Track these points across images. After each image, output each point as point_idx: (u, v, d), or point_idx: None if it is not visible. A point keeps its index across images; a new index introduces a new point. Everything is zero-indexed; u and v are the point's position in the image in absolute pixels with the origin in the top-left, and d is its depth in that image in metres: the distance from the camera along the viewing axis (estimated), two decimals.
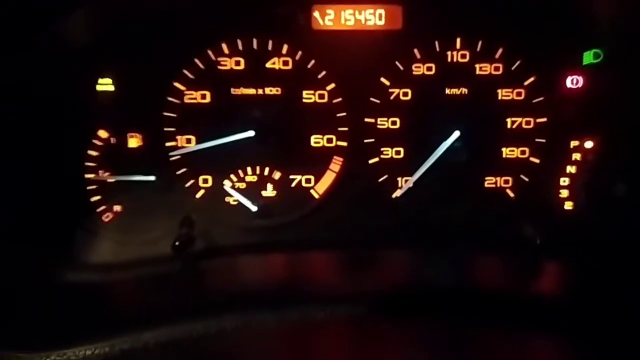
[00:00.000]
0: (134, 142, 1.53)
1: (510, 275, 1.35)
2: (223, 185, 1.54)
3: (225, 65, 1.51)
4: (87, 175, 1.53)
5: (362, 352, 1.06)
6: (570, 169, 1.54)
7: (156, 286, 1.38)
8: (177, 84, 1.51)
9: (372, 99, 1.52)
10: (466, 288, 1.23)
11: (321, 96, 1.52)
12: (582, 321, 1.09)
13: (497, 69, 1.50)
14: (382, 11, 1.47)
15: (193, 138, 1.53)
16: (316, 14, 1.48)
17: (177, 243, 1.38)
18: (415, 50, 1.50)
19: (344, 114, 1.52)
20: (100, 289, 1.40)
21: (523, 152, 1.53)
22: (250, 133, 1.49)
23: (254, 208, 1.53)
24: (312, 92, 1.52)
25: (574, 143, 1.53)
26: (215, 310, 1.10)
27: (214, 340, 1.06)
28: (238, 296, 1.20)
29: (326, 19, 1.48)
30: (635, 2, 1.38)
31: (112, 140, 1.53)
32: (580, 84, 1.50)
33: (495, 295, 1.17)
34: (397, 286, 1.25)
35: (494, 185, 1.55)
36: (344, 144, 1.53)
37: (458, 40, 1.50)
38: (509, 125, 1.52)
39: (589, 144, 1.53)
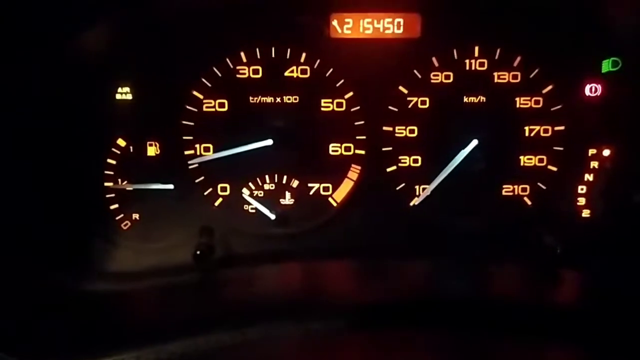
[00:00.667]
0: (152, 150, 1.53)
1: (530, 285, 1.36)
2: (241, 193, 1.55)
3: (244, 73, 1.51)
4: (106, 184, 1.54)
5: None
6: (588, 176, 1.54)
7: (176, 296, 1.39)
8: (195, 93, 1.52)
9: (390, 107, 1.53)
10: (484, 299, 1.23)
11: (339, 104, 1.52)
12: (601, 332, 1.09)
13: (515, 77, 1.50)
14: (400, 20, 1.47)
15: (211, 146, 1.53)
16: (335, 22, 1.48)
17: (197, 252, 1.38)
18: (434, 59, 1.51)
19: (362, 122, 1.53)
20: (119, 299, 1.41)
21: (541, 160, 1.53)
22: (269, 141, 1.49)
23: (272, 216, 1.53)
24: (330, 100, 1.52)
25: (591, 151, 1.53)
26: (235, 320, 1.10)
27: (234, 351, 1.07)
28: (257, 307, 1.21)
29: (345, 27, 1.48)
30: None
31: (131, 148, 1.53)
32: (598, 92, 1.49)
33: (513, 307, 1.18)
34: (415, 296, 1.25)
35: (511, 194, 1.55)
36: (362, 152, 1.54)
37: (476, 48, 1.50)
38: (526, 134, 1.52)
39: (606, 152, 1.52)
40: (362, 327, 1.12)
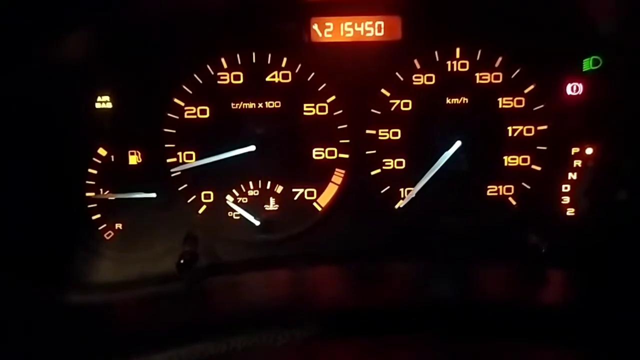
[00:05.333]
0: (134, 159, 1.52)
1: (516, 286, 1.35)
2: (225, 200, 1.53)
3: (225, 79, 1.50)
4: (88, 194, 1.52)
5: None
6: (572, 175, 1.54)
7: (160, 305, 1.37)
8: (176, 100, 1.50)
9: (373, 110, 1.52)
10: (469, 302, 1.23)
11: (322, 109, 1.51)
12: (588, 331, 1.09)
13: (497, 77, 1.50)
14: (381, 22, 1.47)
15: (194, 154, 1.52)
16: (315, 26, 1.47)
17: (181, 261, 1.36)
18: (415, 61, 1.50)
19: (345, 126, 1.52)
20: (103, 309, 1.40)
21: (525, 160, 1.53)
22: (251, 147, 1.48)
23: (257, 222, 1.52)
24: (312, 104, 1.51)
25: (575, 150, 1.53)
26: (219, 329, 1.09)
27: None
28: (242, 315, 1.20)
29: (325, 31, 1.48)
30: (633, 9, 1.38)
31: (112, 157, 1.51)
32: (580, 91, 1.50)
33: (499, 309, 1.17)
34: (401, 301, 1.25)
35: (496, 194, 1.55)
36: (346, 156, 1.53)
37: (458, 49, 1.50)
38: (510, 134, 1.52)
39: (589, 150, 1.53)
40: (348, 333, 1.11)
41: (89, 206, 1.53)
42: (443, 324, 1.11)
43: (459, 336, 1.10)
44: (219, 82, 1.50)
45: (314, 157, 1.53)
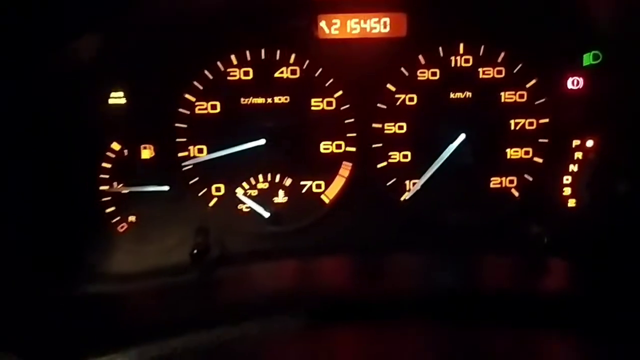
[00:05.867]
0: (146, 153, 1.56)
1: (519, 275, 1.39)
2: (235, 193, 1.57)
3: (235, 75, 1.54)
4: (101, 187, 1.56)
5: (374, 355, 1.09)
6: (573, 167, 1.58)
7: (173, 295, 1.42)
8: (187, 96, 1.54)
9: (379, 105, 1.56)
10: (474, 290, 1.27)
11: (329, 103, 1.55)
12: (591, 317, 1.13)
13: (499, 72, 1.54)
14: (387, 19, 1.51)
15: (205, 148, 1.56)
16: (322, 23, 1.51)
17: (194, 251, 1.40)
18: (420, 57, 1.54)
19: (352, 120, 1.56)
20: (116, 300, 1.43)
21: (527, 153, 1.57)
22: (261, 141, 1.52)
23: (266, 214, 1.56)
24: (320, 99, 1.55)
25: (575, 142, 1.57)
26: (231, 316, 1.13)
27: (232, 345, 1.10)
28: (253, 302, 1.24)
29: (332, 28, 1.52)
30: (632, 6, 1.42)
31: (125, 152, 1.55)
32: (580, 85, 1.54)
33: (503, 296, 1.21)
34: (406, 290, 1.29)
35: (499, 186, 1.59)
36: (353, 149, 1.57)
37: (461, 45, 1.53)
38: (512, 127, 1.56)
39: (590, 143, 1.57)
40: (353, 318, 1.15)
41: (103, 199, 1.57)
42: (447, 311, 1.15)
43: (462, 322, 1.14)
44: (228, 78, 1.54)
45: (322, 150, 1.57)
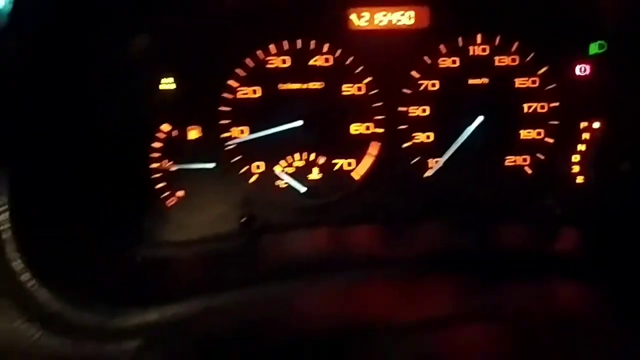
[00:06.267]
0: (193, 134, 1.72)
1: (536, 237, 1.54)
2: (273, 170, 1.73)
3: (273, 63, 1.70)
4: (152, 165, 1.72)
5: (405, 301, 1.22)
6: (581, 147, 1.73)
7: (221, 256, 1.56)
8: (230, 82, 1.70)
9: (404, 90, 1.72)
10: (496, 247, 1.42)
11: (359, 89, 1.71)
12: (601, 269, 1.28)
13: (513, 60, 1.70)
14: (411, 12, 1.67)
15: (246, 129, 1.72)
16: (353, 16, 1.68)
17: (243, 219, 1.56)
18: (441, 46, 1.70)
19: (380, 104, 1.72)
20: (169, 262, 1.58)
21: (539, 134, 1.72)
22: (299, 123, 1.68)
23: (302, 189, 1.72)
24: (351, 85, 1.71)
25: (583, 124, 1.72)
26: (275, 275, 1.28)
27: (273, 303, 1.23)
28: (294, 263, 1.39)
29: (362, 20, 1.68)
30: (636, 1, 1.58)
31: (174, 133, 1.71)
32: (587, 72, 1.69)
33: (523, 252, 1.37)
34: (432, 249, 1.44)
35: (513, 164, 1.74)
36: (381, 130, 1.73)
37: (478, 36, 1.69)
38: (525, 110, 1.72)
39: (596, 125, 1.72)
40: (386, 277, 1.29)
41: (154, 176, 1.73)
42: (470, 266, 1.30)
43: (485, 277, 1.28)
44: (267, 66, 1.70)
45: (352, 131, 1.73)
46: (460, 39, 1.70)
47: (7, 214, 1.22)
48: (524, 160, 1.74)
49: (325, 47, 1.70)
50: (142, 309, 1.17)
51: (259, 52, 1.70)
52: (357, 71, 1.71)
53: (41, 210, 1.34)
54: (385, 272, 1.29)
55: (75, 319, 1.17)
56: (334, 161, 1.74)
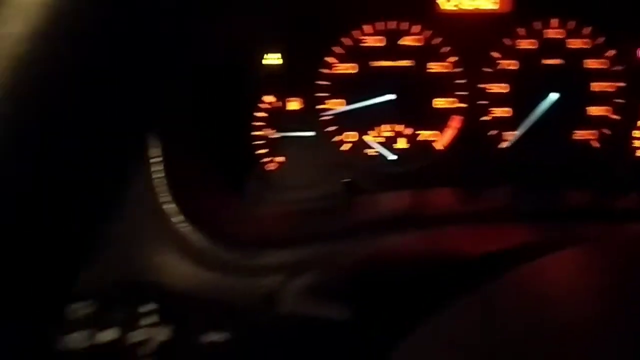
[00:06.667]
0: (293, 105, 1.90)
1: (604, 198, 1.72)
2: (364, 139, 1.92)
3: (366, 42, 1.88)
4: (255, 133, 1.90)
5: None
6: None
7: (319, 212, 1.74)
8: (328, 58, 1.88)
9: (484, 69, 1.89)
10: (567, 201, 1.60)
11: (445, 67, 1.89)
12: None
13: (585, 43, 1.87)
14: None
15: (342, 102, 1.90)
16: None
17: (346, 180, 1.75)
18: (520, 29, 1.88)
19: (464, 81, 1.89)
20: (271, 217, 1.76)
21: (606, 111, 1.90)
22: (391, 96, 1.86)
23: (391, 156, 1.90)
24: (437, 63, 1.89)
25: None
26: (365, 231, 1.45)
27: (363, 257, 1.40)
28: (384, 219, 1.56)
29: (451, 3, 1.85)
30: None
31: (276, 104, 1.89)
32: None
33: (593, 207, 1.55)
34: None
35: (582, 138, 1.92)
36: (463, 105, 1.91)
37: (554, 20, 1.87)
38: (594, 89, 1.89)
39: None
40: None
41: (256, 143, 1.91)
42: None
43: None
44: (361, 44, 1.88)
45: (437, 105, 1.91)
46: (538, 23, 1.87)
47: (162, 165, 1.42)
48: (592, 134, 1.92)
49: (416, 28, 1.87)
50: (278, 250, 1.37)
51: (354, 32, 1.87)
52: (444, 51, 1.88)
53: (185, 164, 1.53)
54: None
55: (225, 256, 1.37)
56: (418, 132, 1.92)
